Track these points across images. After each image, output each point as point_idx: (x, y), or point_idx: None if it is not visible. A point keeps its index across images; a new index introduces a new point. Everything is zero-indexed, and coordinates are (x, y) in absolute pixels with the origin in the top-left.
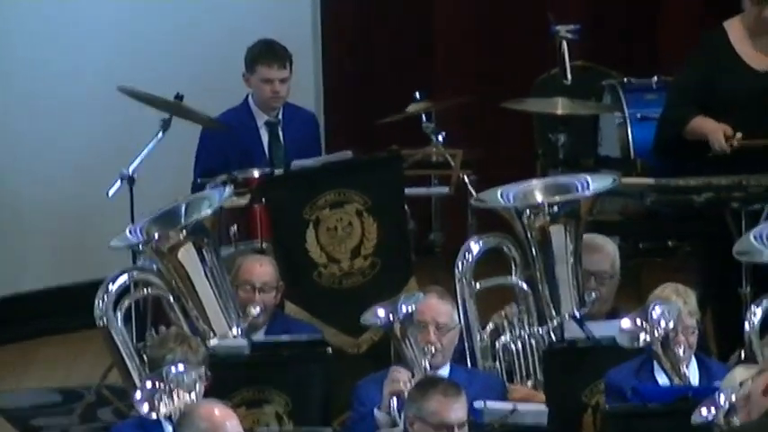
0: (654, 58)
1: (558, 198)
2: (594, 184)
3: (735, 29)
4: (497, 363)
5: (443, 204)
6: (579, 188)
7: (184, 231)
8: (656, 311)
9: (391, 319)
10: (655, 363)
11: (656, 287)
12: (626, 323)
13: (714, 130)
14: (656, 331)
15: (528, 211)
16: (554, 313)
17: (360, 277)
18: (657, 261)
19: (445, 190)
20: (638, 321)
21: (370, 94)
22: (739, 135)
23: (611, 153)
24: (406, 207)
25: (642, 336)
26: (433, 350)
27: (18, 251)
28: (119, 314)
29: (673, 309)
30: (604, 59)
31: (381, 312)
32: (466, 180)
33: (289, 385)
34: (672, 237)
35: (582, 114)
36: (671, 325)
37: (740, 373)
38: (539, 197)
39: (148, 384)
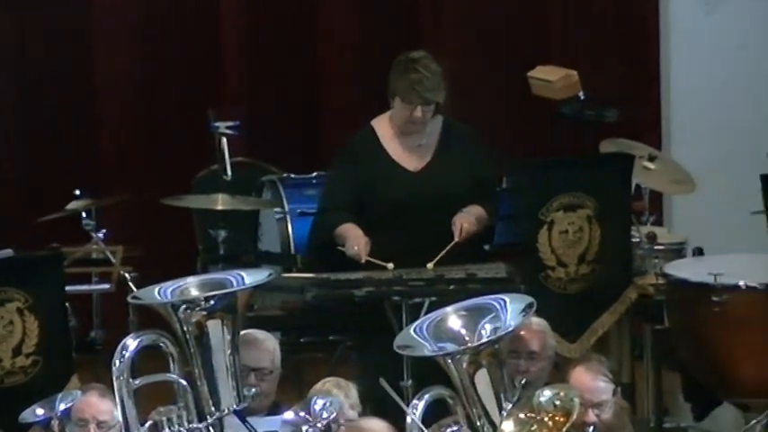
0: (314, 152)
1: (212, 293)
2: (250, 278)
3: (384, 128)
4: None
5: (105, 302)
6: (234, 283)
7: None
8: (319, 403)
9: (49, 417)
10: None
11: (318, 381)
12: (289, 415)
13: (353, 240)
14: (318, 423)
15: (184, 306)
16: (213, 409)
17: (22, 376)
18: (319, 356)
19: (106, 287)
20: (301, 413)
21: (31, 191)
22: (391, 266)
23: (272, 248)
24: (67, 304)
25: (305, 428)
26: None
27: None
28: None
29: (335, 401)
30: (264, 155)
31: (40, 411)
32: (127, 277)
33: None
34: (333, 331)
35: (242, 210)
36: (333, 416)
37: None
38: (194, 292)
39: None
